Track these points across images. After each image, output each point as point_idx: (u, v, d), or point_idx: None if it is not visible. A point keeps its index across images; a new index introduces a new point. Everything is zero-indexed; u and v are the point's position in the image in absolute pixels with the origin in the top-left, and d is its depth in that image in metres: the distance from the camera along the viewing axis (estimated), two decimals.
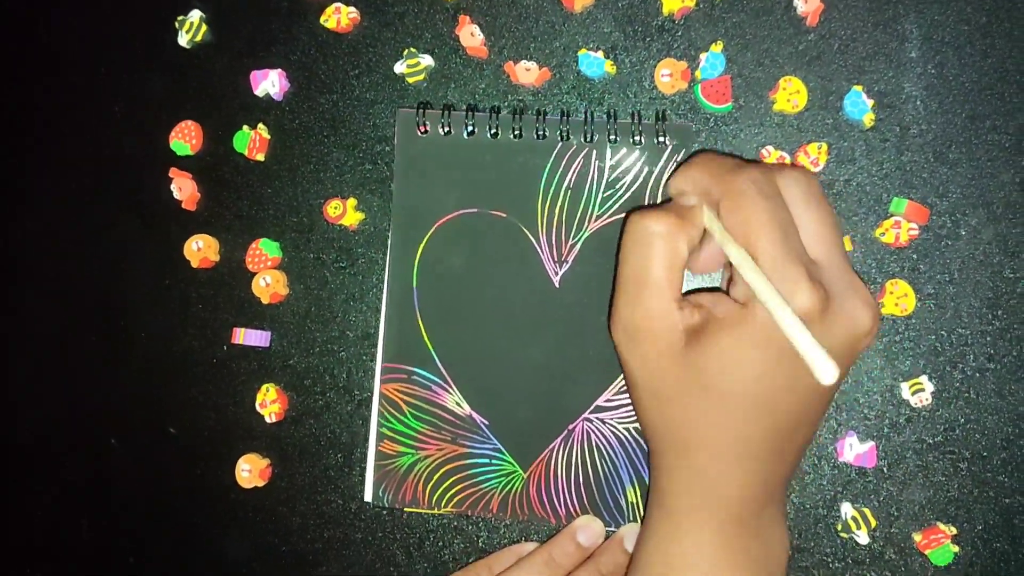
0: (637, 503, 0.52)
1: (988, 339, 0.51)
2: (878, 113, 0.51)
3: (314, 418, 0.55)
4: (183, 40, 0.56)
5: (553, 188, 0.52)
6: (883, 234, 0.51)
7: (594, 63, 0.53)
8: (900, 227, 0.50)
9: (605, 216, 0.52)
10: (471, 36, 0.53)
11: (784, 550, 0.44)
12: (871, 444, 0.51)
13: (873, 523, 0.51)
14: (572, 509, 0.52)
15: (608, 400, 0.52)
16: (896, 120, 0.51)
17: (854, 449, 0.51)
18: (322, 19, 0.55)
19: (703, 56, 0.52)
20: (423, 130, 0.53)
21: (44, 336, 0.58)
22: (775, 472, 0.43)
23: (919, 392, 0.50)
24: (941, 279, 0.51)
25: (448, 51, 0.54)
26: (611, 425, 0.52)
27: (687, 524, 0.43)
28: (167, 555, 0.56)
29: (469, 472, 0.53)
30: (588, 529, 0.52)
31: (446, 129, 0.53)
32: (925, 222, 0.51)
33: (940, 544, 0.50)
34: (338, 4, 0.55)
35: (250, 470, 0.55)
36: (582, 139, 0.52)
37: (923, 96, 0.51)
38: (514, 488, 0.53)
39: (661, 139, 0.51)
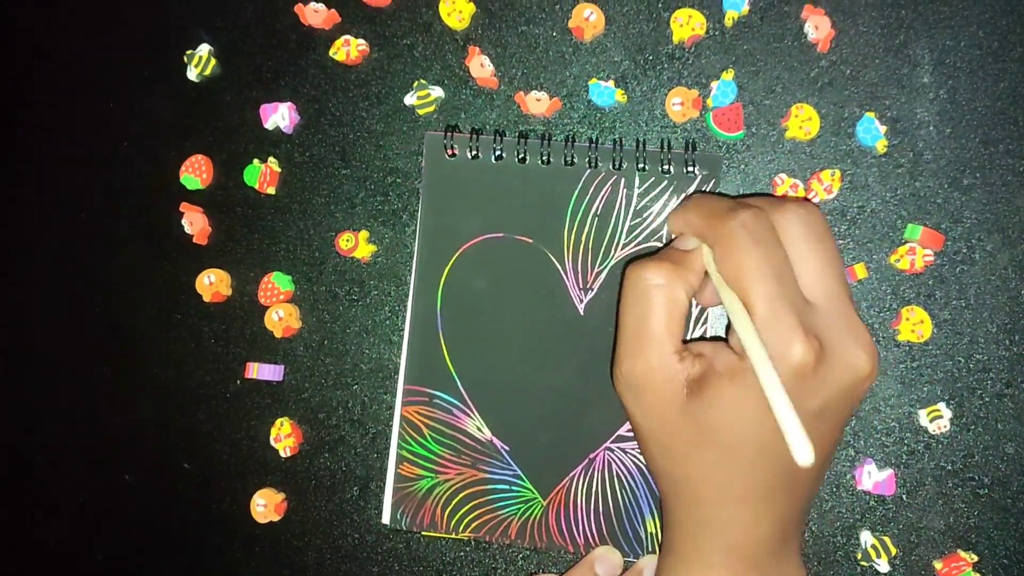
0: (656, 534, 0.52)
1: (1006, 364, 0.50)
2: (891, 139, 0.51)
3: (329, 451, 0.55)
4: (192, 74, 0.56)
5: (580, 215, 0.52)
6: (898, 260, 0.50)
7: (605, 92, 0.52)
8: (915, 253, 0.50)
9: (632, 244, 0.52)
10: (481, 67, 0.53)
11: None
12: (890, 472, 0.50)
13: (893, 551, 0.50)
14: (591, 538, 0.52)
15: (629, 430, 0.52)
16: (909, 146, 0.51)
17: (872, 477, 0.51)
18: (331, 51, 0.55)
19: (714, 84, 0.52)
20: (451, 153, 0.53)
21: (56, 371, 0.58)
22: (786, 512, 0.42)
23: (937, 419, 0.50)
24: (957, 305, 0.51)
25: (458, 82, 0.54)
26: (632, 455, 0.52)
27: (700, 570, 0.43)
28: None
29: (488, 498, 0.53)
30: (606, 560, 0.51)
31: (474, 153, 0.53)
32: (940, 248, 0.51)
33: (961, 572, 0.50)
34: (347, 36, 0.55)
35: (265, 505, 0.54)
36: (610, 166, 0.52)
37: (936, 121, 0.51)
38: (533, 515, 0.53)
39: (690, 168, 0.51)
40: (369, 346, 0.55)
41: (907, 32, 0.51)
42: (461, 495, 0.53)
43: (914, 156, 0.51)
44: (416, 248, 0.54)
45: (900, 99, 0.51)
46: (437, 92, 0.54)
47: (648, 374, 0.41)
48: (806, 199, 0.45)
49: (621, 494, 0.52)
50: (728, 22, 0.52)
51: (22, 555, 0.58)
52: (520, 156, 0.52)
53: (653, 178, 0.52)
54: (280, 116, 0.55)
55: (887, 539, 0.50)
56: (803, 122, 0.51)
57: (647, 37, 0.53)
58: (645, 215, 0.52)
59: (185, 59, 0.56)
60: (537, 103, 0.53)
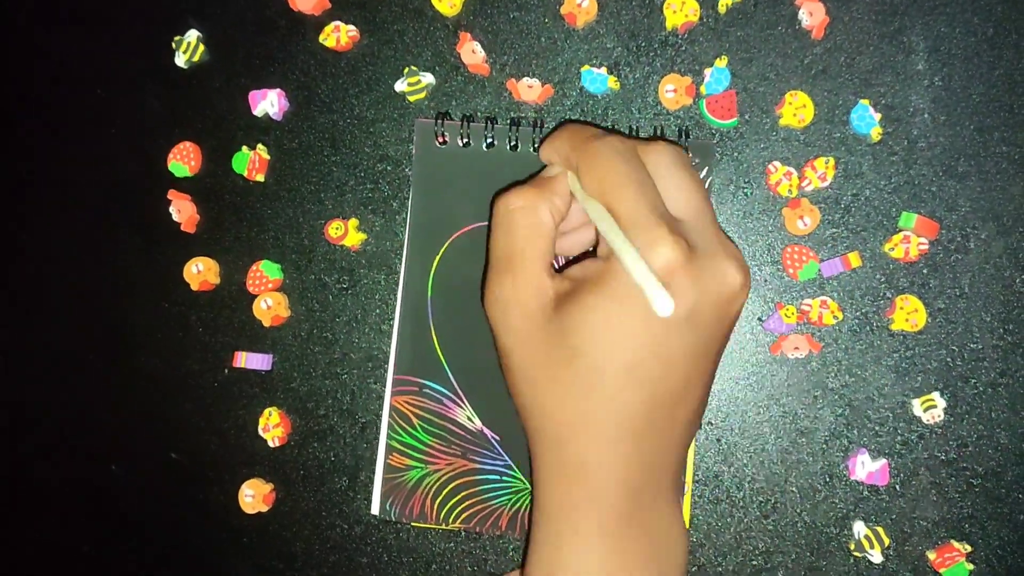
0: None
1: (1000, 354, 0.50)
2: (885, 127, 0.51)
3: (317, 442, 0.54)
4: (180, 60, 0.55)
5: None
6: (892, 249, 0.50)
7: (597, 79, 0.52)
8: (909, 242, 0.50)
9: None
10: (472, 53, 0.53)
11: (680, 548, 0.41)
12: (883, 462, 0.50)
13: (887, 541, 0.50)
14: None
15: None
16: (904, 134, 0.51)
17: (866, 467, 0.50)
18: (321, 38, 0.54)
19: (708, 71, 0.52)
20: (442, 140, 0.52)
21: (43, 360, 0.57)
22: (658, 454, 0.40)
23: (931, 408, 0.50)
24: (952, 294, 0.50)
25: (449, 69, 0.54)
26: None
27: (567, 529, 0.40)
28: None
29: (479, 488, 0.52)
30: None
31: (465, 140, 0.52)
32: (935, 236, 0.50)
33: (955, 562, 0.49)
34: (337, 22, 0.54)
35: (253, 495, 0.54)
36: None
37: (931, 109, 0.51)
38: (524, 506, 0.52)
39: None
40: (359, 335, 0.54)
41: (902, 19, 0.51)
42: (451, 486, 0.52)
43: (908, 144, 0.51)
44: (406, 236, 0.53)
45: (895, 86, 0.51)
46: (428, 78, 0.54)
47: (515, 290, 0.40)
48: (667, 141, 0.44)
49: None
50: (722, 9, 0.52)
51: (7, 545, 0.57)
52: (512, 143, 0.52)
53: None
54: (269, 103, 0.54)
55: (880, 529, 0.50)
56: (797, 109, 0.51)
57: (640, 24, 0.53)
58: None
59: (173, 45, 0.56)
60: (529, 90, 0.52)
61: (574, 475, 0.39)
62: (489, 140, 0.52)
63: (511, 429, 0.52)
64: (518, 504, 0.52)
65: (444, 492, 0.52)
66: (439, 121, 0.52)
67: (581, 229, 0.44)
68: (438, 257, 0.53)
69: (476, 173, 0.52)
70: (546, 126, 0.52)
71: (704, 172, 0.51)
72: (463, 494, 0.52)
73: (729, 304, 0.39)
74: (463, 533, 0.53)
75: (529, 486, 0.52)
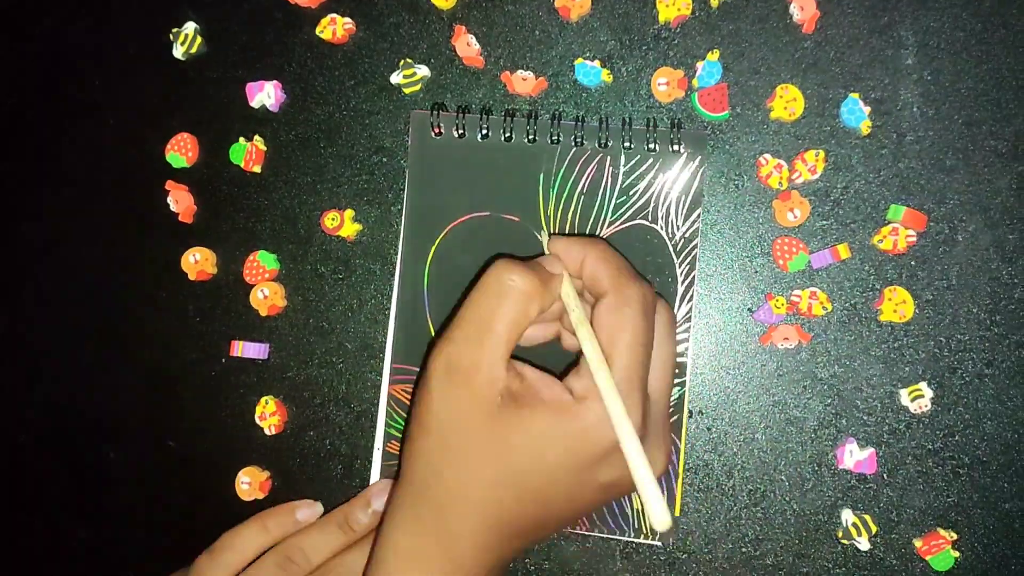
0: (641, 509, 0.52)
1: (987, 344, 0.51)
2: (875, 120, 0.51)
3: (313, 430, 0.55)
4: (178, 52, 0.56)
5: (566, 193, 0.52)
6: (881, 241, 0.51)
7: (591, 72, 0.53)
8: (898, 234, 0.51)
9: (619, 222, 0.52)
10: (467, 46, 0.53)
11: None
12: (871, 450, 0.51)
13: (874, 529, 0.51)
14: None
15: None
16: (893, 127, 0.51)
17: (854, 456, 0.51)
18: (317, 30, 0.55)
19: (700, 64, 0.52)
20: (437, 132, 0.53)
21: (41, 348, 0.58)
22: (512, 552, 0.42)
23: (918, 398, 0.51)
24: (939, 285, 0.51)
25: (444, 61, 0.54)
26: None
27: (414, 572, 0.41)
28: (165, 568, 0.55)
29: None
30: (382, 496, 0.52)
31: (460, 132, 0.53)
32: (923, 229, 0.51)
33: (941, 549, 0.50)
34: (333, 15, 0.54)
35: (250, 483, 0.54)
36: (596, 145, 0.52)
37: (920, 103, 0.51)
38: None
39: (676, 147, 0.51)
40: (354, 325, 0.55)
41: (891, 14, 0.52)
42: None
43: (897, 137, 0.51)
44: (402, 227, 0.54)
45: (884, 80, 0.52)
46: (423, 71, 0.54)
47: (473, 365, 0.40)
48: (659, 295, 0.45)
49: None
50: (714, 3, 0.52)
51: (4, 531, 0.58)
52: (506, 135, 0.52)
53: (639, 156, 0.52)
54: (266, 94, 0.55)
55: (868, 517, 0.51)
56: (788, 103, 0.51)
57: (633, 17, 0.53)
58: (631, 193, 0.52)
59: (171, 37, 0.56)
60: (523, 82, 0.53)
61: (441, 537, 0.41)
62: (484, 131, 0.53)
63: None
64: None
65: None
66: (435, 112, 0.53)
67: (542, 326, 0.45)
68: (434, 247, 0.53)
69: (471, 164, 0.53)
70: (540, 117, 0.53)
71: (697, 162, 0.51)
72: None
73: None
74: None
75: None
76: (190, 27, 0.56)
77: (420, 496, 0.42)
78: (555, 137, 0.52)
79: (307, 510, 0.53)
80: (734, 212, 0.52)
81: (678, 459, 0.52)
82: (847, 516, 0.51)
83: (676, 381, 0.52)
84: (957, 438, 0.51)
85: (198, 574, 0.50)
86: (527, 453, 0.39)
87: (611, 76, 0.53)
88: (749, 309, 0.52)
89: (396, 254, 0.54)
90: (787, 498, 0.52)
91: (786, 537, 0.52)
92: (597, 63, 0.53)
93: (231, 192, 0.56)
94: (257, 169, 0.55)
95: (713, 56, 0.52)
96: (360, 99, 0.55)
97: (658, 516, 0.38)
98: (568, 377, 0.41)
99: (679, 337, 0.52)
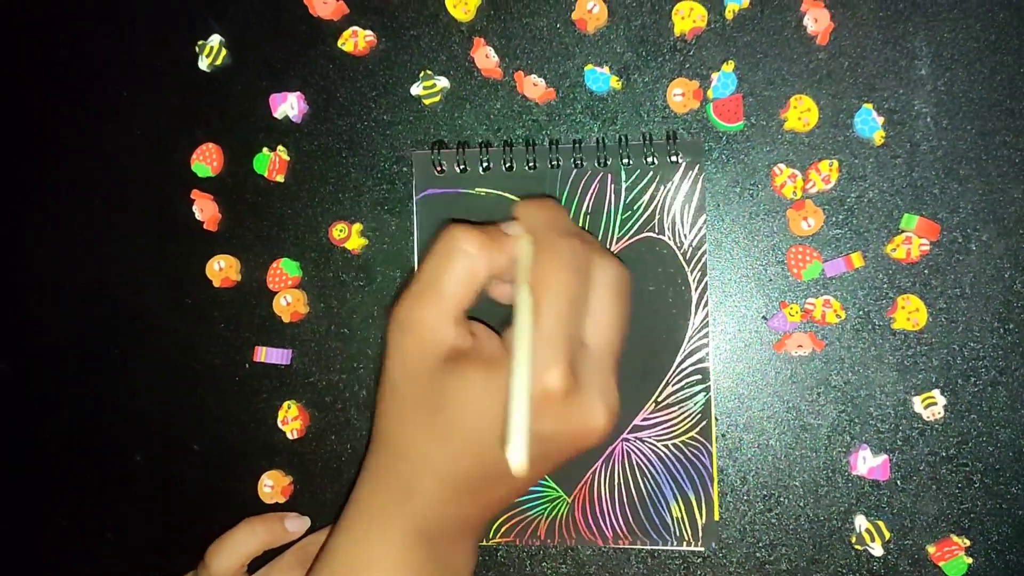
0: (682, 518, 0.53)
1: (1000, 352, 0.51)
2: (888, 130, 0.52)
3: (335, 434, 0.56)
4: (203, 64, 0.57)
5: (571, 214, 0.53)
6: (894, 250, 0.51)
7: (600, 78, 0.53)
8: (911, 243, 0.51)
9: (626, 237, 0.53)
10: (486, 58, 0.54)
11: None
12: (884, 457, 0.51)
13: (887, 535, 0.51)
14: (618, 530, 0.53)
15: (645, 419, 0.53)
16: (906, 137, 0.52)
17: (867, 462, 0.51)
18: (339, 42, 0.56)
19: (715, 76, 0.53)
20: (439, 170, 0.54)
21: (69, 354, 0.59)
22: (469, 509, 0.43)
23: (931, 406, 0.51)
24: (953, 294, 0.52)
25: (463, 73, 0.55)
26: (650, 443, 0.53)
27: (377, 527, 0.43)
28: (189, 570, 0.57)
29: (515, 500, 0.54)
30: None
31: (462, 167, 0.54)
32: (936, 238, 0.51)
33: (954, 556, 0.51)
34: (355, 27, 0.56)
35: (272, 486, 0.56)
36: (595, 164, 0.53)
37: (933, 113, 0.52)
38: (560, 513, 0.54)
39: (673, 158, 0.52)
40: (375, 330, 0.56)
41: (905, 25, 0.52)
42: None
43: (911, 147, 0.52)
44: (416, 246, 0.55)
45: (898, 91, 0.52)
46: (443, 82, 0.55)
47: (420, 323, 0.42)
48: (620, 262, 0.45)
49: (644, 483, 0.53)
50: (729, 14, 0.53)
51: (32, 533, 0.59)
52: (507, 165, 0.53)
53: (639, 170, 0.53)
54: (289, 105, 0.56)
55: (881, 523, 0.51)
56: (802, 113, 0.52)
57: (648, 29, 0.54)
58: (635, 207, 0.53)
59: (196, 49, 0.57)
60: (534, 87, 0.54)
61: (399, 490, 0.43)
62: (485, 164, 0.54)
63: None
64: (554, 512, 0.54)
65: None
66: (435, 151, 0.54)
67: (511, 285, 0.46)
68: None
69: (475, 198, 0.54)
70: (540, 143, 0.54)
71: (696, 170, 0.52)
72: None
73: (582, 439, 0.41)
74: (501, 546, 0.55)
75: (563, 493, 0.53)
76: (215, 39, 0.57)
77: (380, 451, 0.44)
78: (554, 162, 0.53)
79: (297, 522, 0.55)
80: (748, 221, 0.53)
81: (711, 463, 0.53)
82: (860, 522, 0.52)
83: (701, 386, 0.53)
84: (970, 445, 0.51)
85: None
86: (464, 406, 0.41)
87: (620, 83, 0.54)
88: (763, 317, 0.53)
89: (415, 262, 0.55)
90: (801, 504, 0.52)
91: (800, 543, 0.52)
92: (606, 69, 0.53)
93: (255, 201, 0.57)
94: (280, 178, 0.56)
95: (728, 67, 0.53)
96: (381, 110, 0.56)
97: (516, 455, 0.38)
98: (505, 331, 0.42)
99: (698, 343, 0.53)
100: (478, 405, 0.40)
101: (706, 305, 0.53)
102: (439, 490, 0.42)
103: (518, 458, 0.38)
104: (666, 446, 0.53)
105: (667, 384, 0.53)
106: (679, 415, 0.53)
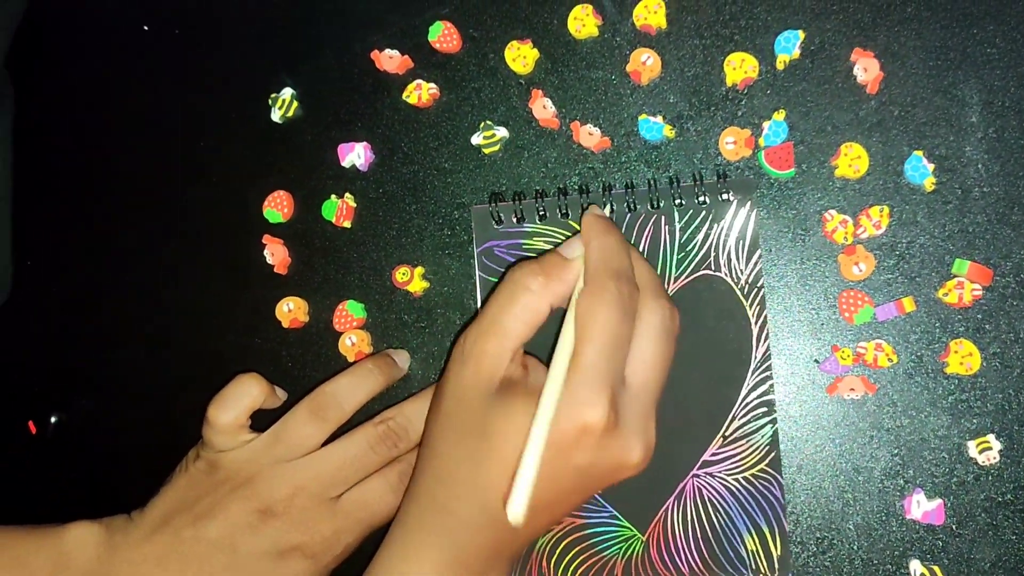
0: (757, 551, 0.53)
1: None
2: (939, 177, 0.53)
3: None
4: (276, 116, 0.60)
5: None
6: (946, 294, 0.52)
7: (653, 127, 0.55)
8: (963, 288, 0.51)
9: (683, 277, 0.54)
10: (543, 108, 0.57)
11: None
12: (939, 501, 0.51)
13: None
14: (695, 565, 0.54)
15: (713, 455, 0.54)
16: (958, 183, 0.53)
17: (921, 506, 0.52)
18: (404, 95, 0.59)
19: (766, 124, 0.54)
20: (497, 222, 0.56)
21: (145, 393, 0.62)
22: (507, 537, 0.45)
23: (986, 450, 0.51)
24: (1007, 338, 0.52)
25: (522, 123, 0.58)
26: (720, 478, 0.54)
27: (418, 547, 0.45)
28: None
29: (590, 542, 0.55)
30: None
31: (518, 217, 0.56)
32: (989, 283, 0.52)
33: None
34: (419, 81, 0.58)
35: None
36: (649, 207, 0.54)
37: (984, 159, 0.52)
38: (635, 552, 0.54)
39: (724, 196, 0.53)
40: (435, 371, 0.58)
41: (955, 73, 0.53)
42: (563, 544, 0.55)
43: (962, 193, 0.52)
44: (478, 293, 0.57)
45: (948, 138, 0.53)
46: (502, 132, 0.57)
47: (480, 354, 0.45)
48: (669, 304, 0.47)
49: (716, 518, 0.54)
50: (780, 65, 0.55)
51: None
52: (562, 212, 0.55)
53: (691, 210, 0.54)
54: (356, 155, 0.59)
55: (936, 568, 0.51)
56: (852, 160, 0.53)
57: (701, 80, 0.56)
58: (690, 247, 0.54)
59: (269, 102, 0.61)
60: (589, 137, 0.56)
61: (437, 512, 0.45)
62: (541, 212, 0.55)
63: None
64: (629, 551, 0.54)
65: (557, 551, 0.55)
66: (493, 204, 0.56)
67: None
68: None
69: (534, 247, 0.56)
70: (594, 190, 0.55)
71: (748, 207, 0.53)
72: (576, 550, 0.55)
73: (617, 473, 0.44)
74: None
75: (637, 531, 0.54)
76: (287, 92, 0.60)
77: (424, 474, 0.47)
78: (608, 206, 0.55)
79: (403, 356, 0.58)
80: (800, 266, 0.54)
81: (782, 494, 0.53)
82: (916, 567, 0.52)
83: (767, 418, 0.53)
84: None
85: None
86: (506, 435, 0.43)
87: (673, 131, 0.55)
88: (816, 360, 0.54)
89: (475, 304, 0.57)
90: (855, 547, 0.53)
91: None
92: (660, 119, 0.55)
93: (323, 245, 0.60)
94: (347, 224, 0.59)
95: (779, 116, 0.54)
96: (443, 159, 0.59)
97: (516, 504, 0.40)
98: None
99: (762, 376, 0.53)
100: (518, 436, 0.43)
101: (767, 338, 0.53)
102: (475, 515, 0.44)
103: (516, 511, 0.40)
104: (736, 480, 0.53)
105: (733, 419, 0.54)
106: (747, 448, 0.54)
